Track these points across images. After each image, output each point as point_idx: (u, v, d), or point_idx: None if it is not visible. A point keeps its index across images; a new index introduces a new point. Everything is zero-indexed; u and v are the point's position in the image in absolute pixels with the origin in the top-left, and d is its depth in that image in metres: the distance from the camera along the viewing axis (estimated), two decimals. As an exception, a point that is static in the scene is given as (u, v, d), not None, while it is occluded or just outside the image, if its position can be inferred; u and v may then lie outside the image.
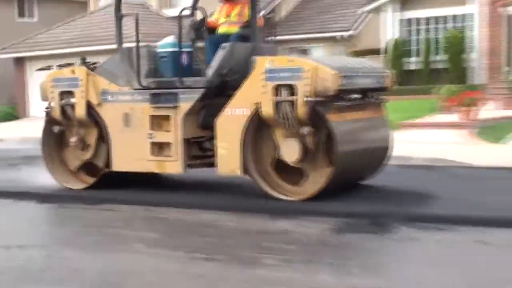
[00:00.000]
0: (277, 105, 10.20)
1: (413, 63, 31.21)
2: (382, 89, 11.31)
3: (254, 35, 11.16)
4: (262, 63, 10.33)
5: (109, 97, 11.79)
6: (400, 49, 30.90)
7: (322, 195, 10.13)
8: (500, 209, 9.35)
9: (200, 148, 11.54)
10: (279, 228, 9.22)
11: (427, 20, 31.18)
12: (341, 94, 10.20)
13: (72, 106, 12.03)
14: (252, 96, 10.41)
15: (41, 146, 12.70)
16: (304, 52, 10.96)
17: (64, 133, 12.49)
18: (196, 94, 11.00)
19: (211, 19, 12.11)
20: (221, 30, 11.77)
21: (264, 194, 10.53)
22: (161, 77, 11.51)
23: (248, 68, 10.64)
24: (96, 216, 10.54)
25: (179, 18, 11.05)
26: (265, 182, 10.64)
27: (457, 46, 29.45)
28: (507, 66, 28.08)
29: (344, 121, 10.30)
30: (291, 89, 10.11)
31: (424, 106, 24.29)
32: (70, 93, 12.08)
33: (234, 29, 11.60)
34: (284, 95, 10.15)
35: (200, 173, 12.16)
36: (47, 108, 12.59)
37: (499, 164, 13.74)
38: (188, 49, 11.71)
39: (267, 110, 10.24)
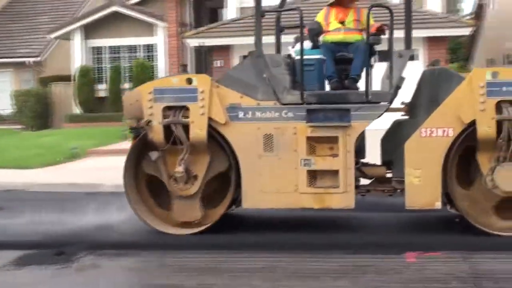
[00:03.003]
0: (499, 124, 8.26)
1: (102, 90, 29.03)
2: None
3: (411, 43, 9.07)
4: (481, 75, 8.30)
5: (240, 114, 8.66)
6: (89, 76, 28.61)
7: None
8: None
9: None
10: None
11: (118, 48, 29.22)
12: None
13: (185, 125, 8.68)
14: (461, 113, 8.33)
15: (124, 178, 8.99)
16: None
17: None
18: (375, 111, 8.60)
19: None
20: (336, 37, 9.40)
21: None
22: (302, 89, 8.78)
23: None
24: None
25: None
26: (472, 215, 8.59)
27: (145, 75, 27.95)
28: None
29: None
30: None
31: (113, 133, 22.94)
32: (179, 109, 8.71)
33: (355, 36, 9.42)
34: (510, 112, 8.24)
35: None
36: (132, 128, 8.98)
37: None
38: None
39: (487, 130, 8.21)
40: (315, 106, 8.59)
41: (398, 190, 8.83)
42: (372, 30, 9.30)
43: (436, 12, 25.22)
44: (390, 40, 8.81)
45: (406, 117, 9.13)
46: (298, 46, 9.06)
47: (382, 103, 8.60)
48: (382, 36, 9.26)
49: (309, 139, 8.58)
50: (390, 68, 8.60)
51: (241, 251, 8.09)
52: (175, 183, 8.81)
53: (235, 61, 26.14)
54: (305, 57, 8.80)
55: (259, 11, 8.82)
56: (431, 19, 23.17)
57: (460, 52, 29.27)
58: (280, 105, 8.63)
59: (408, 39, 9.03)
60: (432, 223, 9.40)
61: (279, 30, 9.63)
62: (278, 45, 9.52)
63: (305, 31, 9.48)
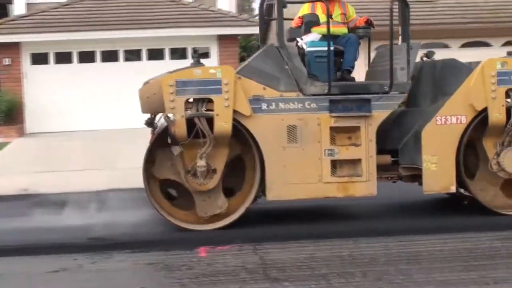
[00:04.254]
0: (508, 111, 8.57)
1: None
2: None
3: (408, 35, 9.02)
4: (492, 65, 8.52)
5: (264, 106, 8.17)
6: None
7: None
8: None
9: None
10: None
11: None
12: None
13: (209, 118, 8.03)
14: (473, 101, 8.49)
15: (144, 175, 8.13)
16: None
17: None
18: (394, 101, 8.57)
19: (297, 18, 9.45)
20: (325, 30, 9.10)
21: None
22: (317, 80, 8.47)
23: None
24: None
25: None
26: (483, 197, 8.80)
27: None
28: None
29: None
30: None
31: None
32: (202, 101, 8.06)
33: (342, 29, 9.27)
34: None
35: None
36: (148, 122, 8.15)
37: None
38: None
39: (497, 116, 8.47)
40: (338, 96, 8.33)
41: (403, 177, 8.89)
42: (360, 22, 9.35)
43: (228, 11, 25.22)
44: (404, 34, 8.76)
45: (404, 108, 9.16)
46: (306, 38, 8.74)
47: (400, 93, 8.52)
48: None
49: (332, 129, 8.35)
50: (408, 61, 8.51)
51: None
52: (194, 178, 8.13)
53: (25, 58, 24.81)
54: (317, 48, 8.55)
55: (281, 2, 8.39)
56: (222, 17, 22.93)
57: (253, 49, 29.64)
58: (303, 96, 8.27)
59: (405, 33, 8.95)
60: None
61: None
62: (263, 36, 9.02)
63: (295, 23, 9.22)
